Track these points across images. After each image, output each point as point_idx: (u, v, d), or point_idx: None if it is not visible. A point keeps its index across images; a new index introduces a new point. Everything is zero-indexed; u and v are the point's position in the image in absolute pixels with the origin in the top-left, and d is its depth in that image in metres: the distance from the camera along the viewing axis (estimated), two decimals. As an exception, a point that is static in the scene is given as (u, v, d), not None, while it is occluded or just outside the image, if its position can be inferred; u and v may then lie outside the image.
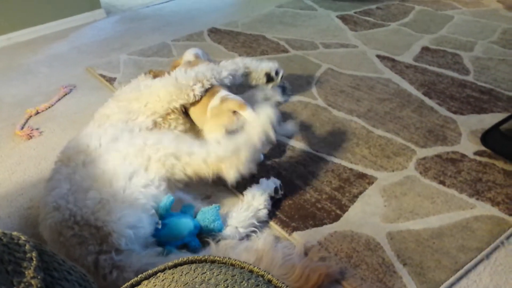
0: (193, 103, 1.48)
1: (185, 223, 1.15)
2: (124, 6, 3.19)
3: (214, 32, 2.56)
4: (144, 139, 1.24)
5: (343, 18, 2.63)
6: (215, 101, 1.43)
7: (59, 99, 1.99)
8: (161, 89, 1.46)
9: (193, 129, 1.51)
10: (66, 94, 2.02)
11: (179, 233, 1.14)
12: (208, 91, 1.48)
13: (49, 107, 1.93)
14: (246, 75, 1.69)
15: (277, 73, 1.72)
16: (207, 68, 1.53)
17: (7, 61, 2.42)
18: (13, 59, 2.44)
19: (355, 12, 2.71)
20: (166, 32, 2.64)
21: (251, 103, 1.68)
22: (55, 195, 1.13)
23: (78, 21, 2.86)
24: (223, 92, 1.45)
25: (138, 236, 1.08)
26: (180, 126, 1.48)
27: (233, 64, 1.61)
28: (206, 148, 1.20)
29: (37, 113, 1.89)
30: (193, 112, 1.49)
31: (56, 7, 2.75)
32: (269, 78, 1.71)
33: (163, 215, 1.16)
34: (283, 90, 1.80)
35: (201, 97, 1.47)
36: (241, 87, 1.72)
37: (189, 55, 1.75)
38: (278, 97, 1.76)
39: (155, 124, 1.43)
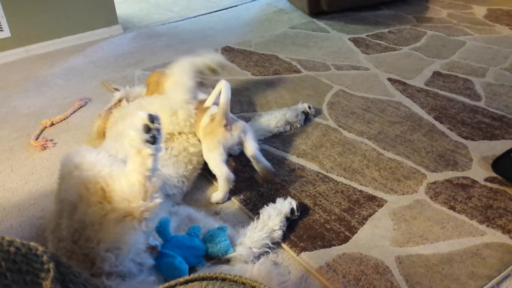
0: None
1: (178, 268, 1.09)
2: (141, 23, 3.26)
3: (228, 51, 2.61)
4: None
5: (355, 41, 2.67)
6: (205, 119, 1.44)
7: (74, 112, 2.02)
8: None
9: None
10: (81, 107, 2.06)
11: (171, 274, 1.08)
12: (199, 109, 1.51)
13: (64, 119, 1.96)
14: (286, 124, 1.80)
15: (309, 107, 1.85)
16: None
17: (25, 73, 2.48)
18: (30, 71, 2.50)
19: (367, 35, 2.74)
20: (180, 49, 2.69)
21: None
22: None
23: (95, 36, 2.93)
24: (213, 109, 1.47)
25: (122, 257, 1.02)
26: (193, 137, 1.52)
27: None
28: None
29: (52, 124, 1.92)
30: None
31: (74, 22, 2.83)
32: (306, 114, 1.84)
33: (163, 237, 1.15)
34: (307, 115, 1.85)
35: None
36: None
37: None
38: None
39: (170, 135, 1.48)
